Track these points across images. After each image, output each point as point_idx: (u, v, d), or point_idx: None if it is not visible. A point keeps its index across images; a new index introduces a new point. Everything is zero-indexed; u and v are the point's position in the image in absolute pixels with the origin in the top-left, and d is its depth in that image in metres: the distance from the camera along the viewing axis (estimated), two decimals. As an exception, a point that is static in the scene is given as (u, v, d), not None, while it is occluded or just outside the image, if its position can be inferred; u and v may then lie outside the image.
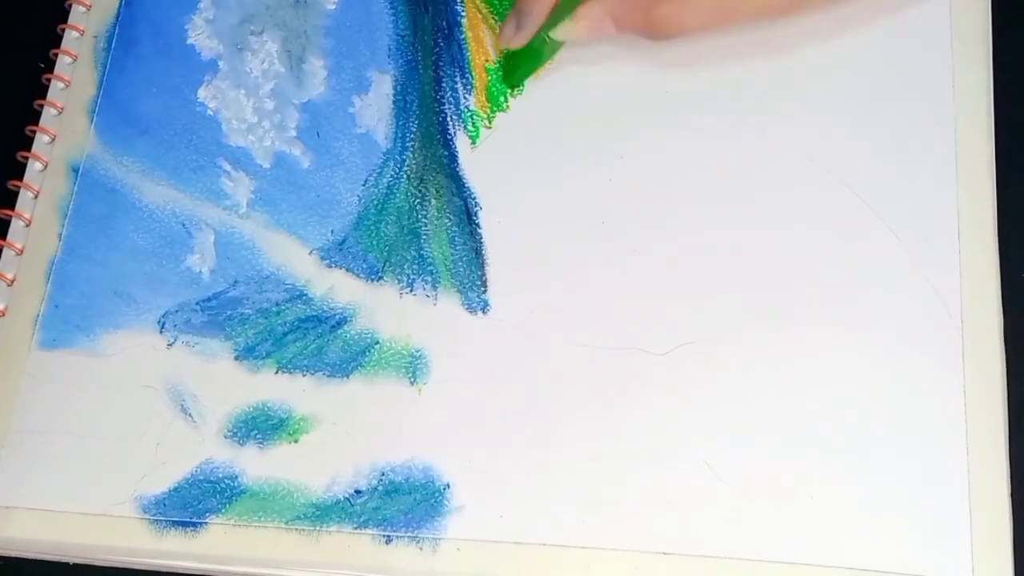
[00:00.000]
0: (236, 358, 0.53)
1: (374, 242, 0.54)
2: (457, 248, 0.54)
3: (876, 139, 0.53)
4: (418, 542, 0.49)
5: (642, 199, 0.53)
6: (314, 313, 0.54)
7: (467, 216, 0.54)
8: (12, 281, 0.56)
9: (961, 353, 0.49)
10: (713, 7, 0.51)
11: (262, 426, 0.52)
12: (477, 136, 0.56)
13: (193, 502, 0.51)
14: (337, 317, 0.53)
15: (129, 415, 0.52)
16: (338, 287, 0.54)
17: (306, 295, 0.54)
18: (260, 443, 0.51)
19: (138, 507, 0.51)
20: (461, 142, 0.56)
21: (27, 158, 0.58)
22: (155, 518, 0.51)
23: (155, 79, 0.59)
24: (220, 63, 0.59)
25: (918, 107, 0.53)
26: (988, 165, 0.52)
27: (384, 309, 0.53)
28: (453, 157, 0.56)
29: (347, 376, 0.52)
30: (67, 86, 0.59)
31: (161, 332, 0.54)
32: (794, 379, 0.49)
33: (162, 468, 0.51)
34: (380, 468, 0.50)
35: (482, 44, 0.58)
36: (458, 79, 0.57)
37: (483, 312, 0.53)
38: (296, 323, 0.53)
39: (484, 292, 0.53)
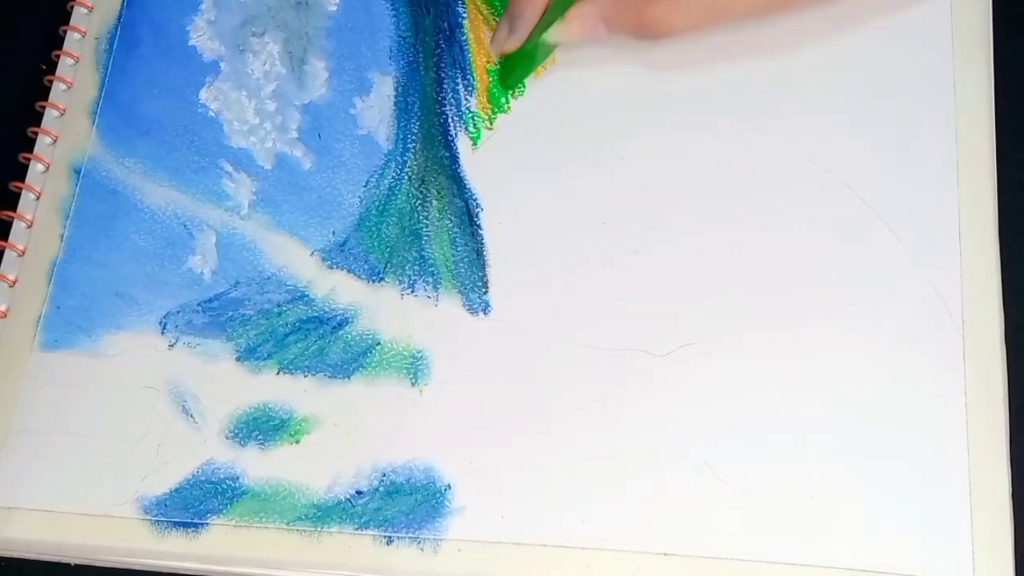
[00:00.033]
0: (237, 359, 0.53)
1: (375, 243, 0.54)
2: (458, 249, 0.54)
3: (876, 139, 0.53)
4: (419, 543, 0.49)
5: (643, 200, 0.53)
6: (315, 314, 0.54)
7: (468, 217, 0.54)
8: (14, 282, 0.56)
9: (961, 353, 0.49)
10: (704, 7, 0.51)
11: (263, 427, 0.52)
12: (478, 137, 0.56)
13: (194, 503, 0.51)
14: (338, 318, 0.53)
15: (130, 416, 0.52)
16: (339, 288, 0.54)
17: (307, 296, 0.54)
18: (261, 444, 0.51)
19: (139, 508, 0.51)
20: (462, 143, 0.56)
21: (29, 159, 0.58)
22: (156, 519, 0.51)
23: (157, 80, 0.59)
24: (222, 64, 0.59)
25: (918, 107, 0.53)
26: (989, 165, 0.52)
27: (385, 310, 0.53)
28: (454, 158, 0.56)
29: (348, 377, 0.52)
30: (69, 88, 0.59)
31: (163, 333, 0.54)
32: (794, 379, 0.49)
33: (163, 469, 0.51)
34: (381, 469, 0.50)
35: (483, 45, 0.58)
36: (459, 80, 0.58)
37: (484, 313, 0.53)
38: (297, 324, 0.53)
39: (485, 293, 0.53)
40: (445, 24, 0.59)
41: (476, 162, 0.56)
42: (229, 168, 0.57)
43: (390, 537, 0.49)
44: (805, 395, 0.49)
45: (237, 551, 0.50)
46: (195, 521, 0.50)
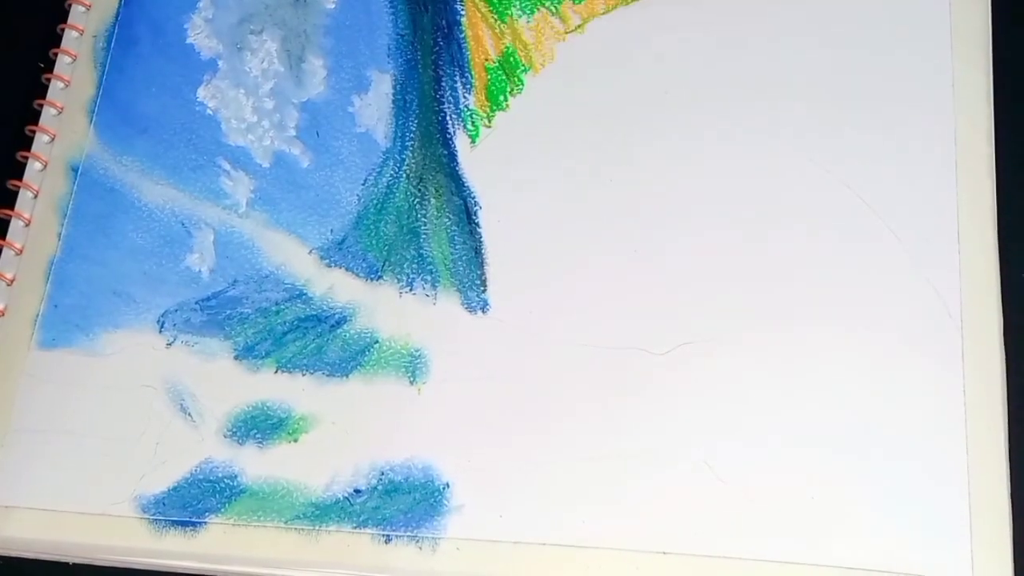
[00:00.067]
0: (235, 357, 0.53)
1: (373, 241, 0.54)
2: (457, 247, 0.54)
3: (876, 139, 0.53)
4: (417, 541, 0.49)
5: (642, 199, 0.53)
6: (313, 312, 0.54)
7: (467, 215, 0.54)
8: (11, 281, 0.56)
9: (961, 353, 0.49)
10: None
11: (261, 425, 0.52)
12: (476, 135, 0.56)
13: (192, 502, 0.51)
14: (336, 316, 0.53)
15: (128, 414, 0.52)
16: (337, 286, 0.54)
17: (305, 294, 0.54)
18: (259, 442, 0.51)
19: (137, 507, 0.51)
20: (460, 141, 0.56)
21: (27, 158, 0.58)
22: (154, 518, 0.51)
23: (154, 79, 0.59)
24: (219, 62, 0.59)
25: (918, 107, 0.53)
26: (988, 165, 0.52)
27: (384, 308, 0.53)
28: (452, 156, 0.56)
29: (346, 375, 0.52)
30: (67, 86, 0.59)
31: (160, 331, 0.54)
32: (794, 379, 0.49)
33: (161, 468, 0.51)
34: (379, 467, 0.50)
35: (481, 43, 0.58)
36: (457, 78, 0.57)
37: (483, 311, 0.53)
38: (296, 322, 0.53)
39: (484, 291, 0.53)
40: (443, 22, 0.59)
41: (474, 160, 0.56)
42: (227, 166, 0.57)
43: (388, 536, 0.49)
44: (805, 395, 0.49)
45: (235, 550, 0.50)
46: (193, 520, 0.50)
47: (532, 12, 0.58)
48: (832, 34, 0.55)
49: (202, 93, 0.58)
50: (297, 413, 0.52)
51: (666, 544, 0.48)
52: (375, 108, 0.57)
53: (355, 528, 0.50)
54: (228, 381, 0.53)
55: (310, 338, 0.53)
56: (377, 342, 0.53)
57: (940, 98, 0.53)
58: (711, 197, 0.53)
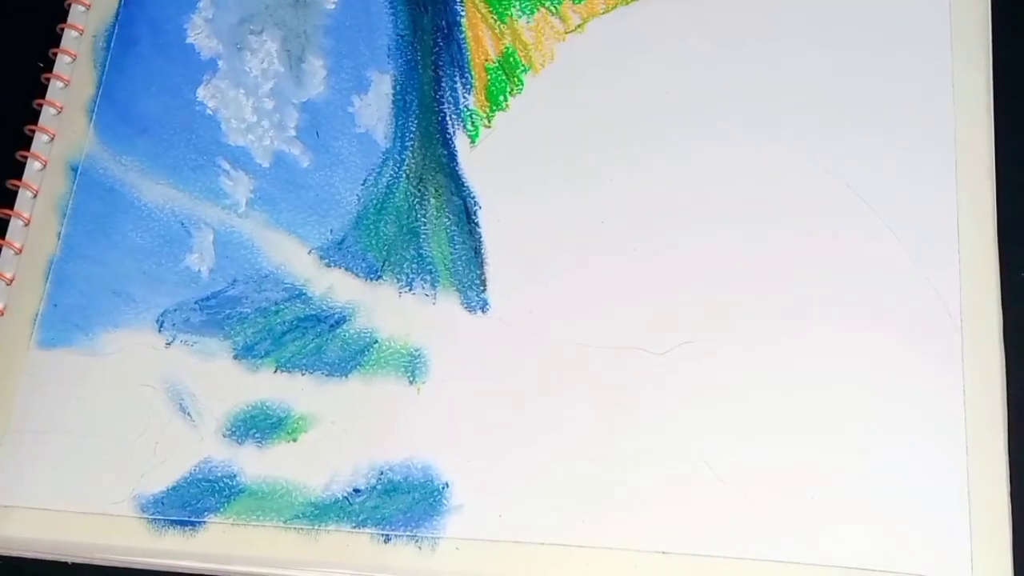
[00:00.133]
0: (235, 357, 0.53)
1: (373, 241, 0.54)
2: (456, 247, 0.54)
3: (876, 139, 0.53)
4: (417, 541, 0.49)
5: (642, 198, 0.53)
6: (313, 312, 0.53)
7: (466, 215, 0.54)
8: (11, 280, 0.56)
9: (961, 353, 0.49)
10: None
11: (261, 425, 0.52)
12: (476, 135, 0.56)
13: (192, 501, 0.51)
14: (336, 316, 0.53)
15: (128, 414, 0.52)
16: (337, 286, 0.54)
17: (305, 294, 0.54)
18: (259, 442, 0.51)
19: (137, 506, 0.51)
20: (460, 141, 0.56)
21: (26, 157, 0.58)
22: (154, 517, 0.51)
23: (154, 78, 0.59)
24: (219, 62, 0.59)
25: (918, 107, 0.53)
26: (988, 165, 0.52)
27: (383, 308, 0.53)
28: (452, 156, 0.56)
29: (346, 375, 0.52)
30: (66, 85, 0.59)
31: (160, 331, 0.54)
32: (794, 379, 0.49)
33: (160, 467, 0.51)
34: (379, 467, 0.50)
35: (481, 44, 0.58)
36: (457, 78, 0.57)
37: (482, 311, 0.53)
38: (295, 322, 0.53)
39: (483, 291, 0.53)
40: (443, 22, 0.59)
41: (474, 160, 0.56)
42: (227, 166, 0.57)
43: (388, 535, 0.49)
44: (804, 394, 0.49)
45: (234, 549, 0.50)
46: (192, 519, 0.50)
47: (532, 12, 0.58)
48: (832, 34, 0.55)
49: (202, 93, 0.59)
50: (296, 413, 0.52)
51: (666, 544, 0.48)
52: (375, 108, 0.57)
53: (354, 528, 0.50)
54: (227, 381, 0.53)
55: (309, 338, 0.53)
56: (376, 342, 0.53)
57: (940, 98, 0.53)
58: (711, 197, 0.53)
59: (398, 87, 0.58)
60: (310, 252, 0.55)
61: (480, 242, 0.54)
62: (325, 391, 0.52)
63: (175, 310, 0.54)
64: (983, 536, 0.46)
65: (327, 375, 0.52)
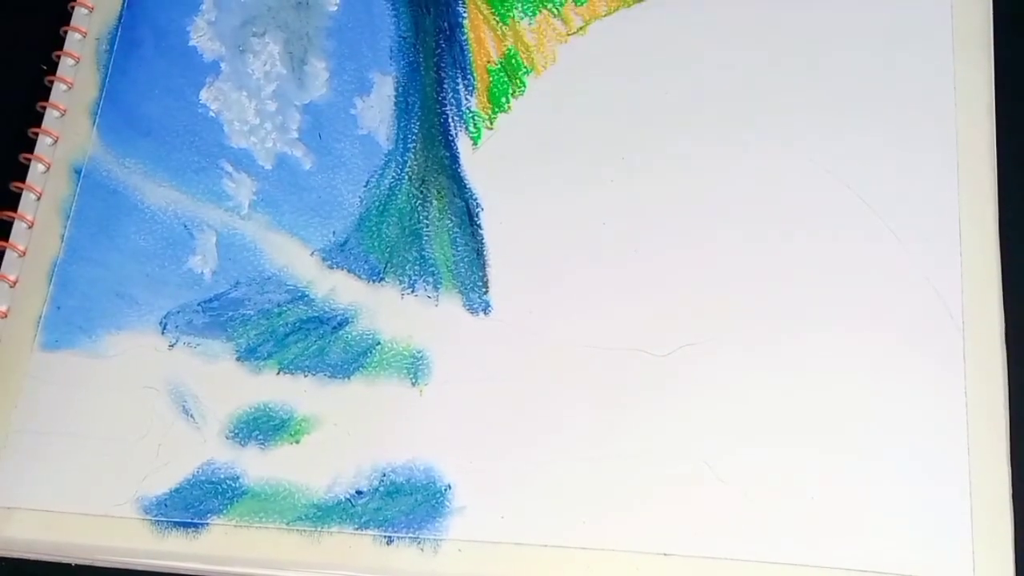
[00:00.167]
0: (238, 359, 0.53)
1: (376, 243, 0.54)
2: (458, 249, 0.54)
3: (876, 139, 0.53)
4: (419, 543, 0.49)
5: (643, 200, 0.53)
6: (316, 314, 0.54)
7: (468, 217, 0.54)
8: (14, 282, 0.56)
9: (962, 353, 0.49)
10: None
11: (263, 427, 0.52)
12: (479, 137, 0.56)
13: (194, 503, 0.51)
14: (339, 318, 0.53)
15: (131, 416, 0.52)
16: (340, 288, 0.54)
17: (308, 296, 0.54)
18: (261, 444, 0.51)
19: (139, 508, 0.51)
20: (463, 143, 0.56)
21: (29, 160, 0.58)
22: (156, 519, 0.51)
23: (157, 81, 0.59)
24: (222, 65, 0.59)
25: (919, 107, 0.53)
26: (989, 165, 0.52)
27: (385, 310, 0.53)
28: (455, 158, 0.56)
29: (348, 377, 0.52)
30: (69, 88, 0.59)
31: (163, 333, 0.54)
32: (794, 379, 0.49)
33: (163, 469, 0.51)
34: (381, 469, 0.50)
35: (484, 45, 0.58)
36: (460, 80, 0.58)
37: (484, 313, 0.53)
38: (298, 324, 0.53)
39: (485, 293, 0.53)
40: (445, 24, 0.59)
41: (476, 162, 0.56)
42: (229, 168, 0.57)
43: (390, 537, 0.49)
44: (805, 395, 0.49)
45: (237, 551, 0.50)
46: (195, 521, 0.50)
47: (534, 14, 0.58)
48: (833, 35, 0.55)
49: (205, 95, 0.59)
50: (299, 414, 0.52)
51: (667, 545, 0.48)
52: (377, 110, 0.57)
53: (357, 529, 0.50)
54: (230, 382, 0.53)
55: (312, 340, 0.53)
56: (379, 344, 0.53)
57: (941, 99, 0.53)
58: (712, 198, 0.53)
59: (400, 89, 0.58)
60: (312, 254, 0.55)
61: (482, 244, 0.54)
62: (328, 393, 0.52)
63: (178, 312, 0.54)
64: (985, 537, 0.46)
65: (330, 377, 0.52)
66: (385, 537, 0.49)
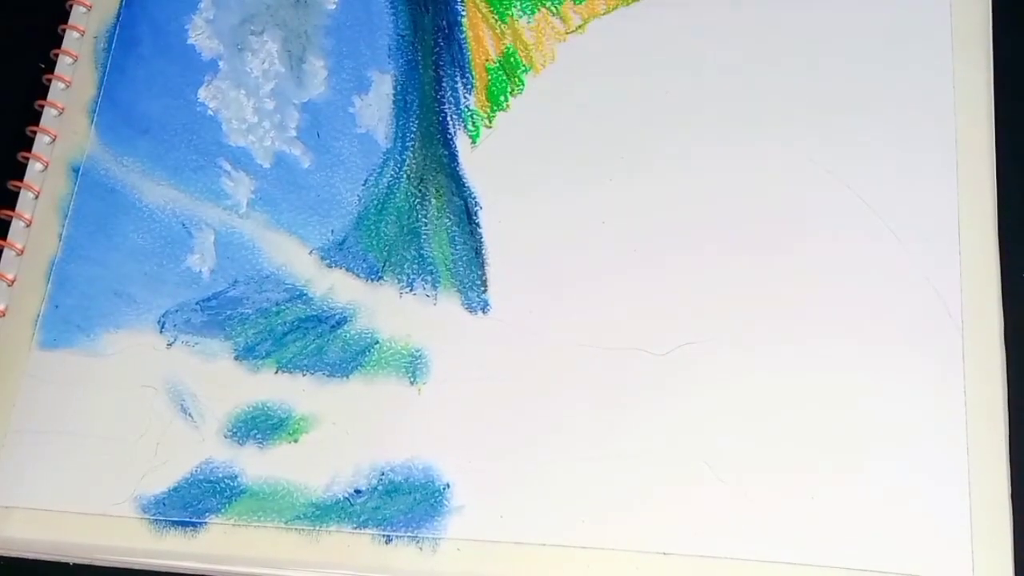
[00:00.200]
0: (236, 358, 0.53)
1: (374, 242, 0.54)
2: (457, 248, 0.54)
3: (876, 139, 0.53)
4: (418, 542, 0.49)
5: (642, 199, 0.53)
6: (314, 313, 0.54)
7: (467, 216, 0.54)
8: (12, 281, 0.56)
9: (961, 353, 0.49)
10: None
11: (262, 426, 0.52)
12: (477, 136, 0.56)
13: (193, 502, 0.51)
14: (337, 317, 0.53)
15: (129, 415, 0.52)
16: (338, 287, 0.54)
17: (306, 295, 0.54)
18: (260, 443, 0.51)
19: (138, 507, 0.51)
20: (461, 142, 0.56)
21: (28, 158, 0.58)
22: (155, 518, 0.51)
23: (155, 79, 0.59)
24: (220, 63, 0.59)
25: (918, 107, 0.53)
26: (988, 165, 0.52)
27: (384, 309, 0.53)
28: (453, 157, 0.56)
29: (347, 376, 0.52)
30: (68, 86, 0.59)
31: (161, 332, 0.54)
32: (794, 379, 0.49)
33: (162, 468, 0.51)
34: (380, 468, 0.50)
35: (482, 43, 0.58)
36: (458, 79, 0.57)
37: (483, 312, 0.53)
38: (296, 323, 0.53)
39: (484, 292, 0.53)
40: (444, 22, 0.59)
41: (475, 160, 0.56)
42: (228, 167, 0.57)
43: (389, 536, 0.49)
44: (805, 394, 0.49)
45: (235, 550, 0.50)
46: (193, 520, 0.50)
47: (533, 12, 0.58)
48: (833, 35, 0.55)
49: (203, 94, 0.59)
50: (297, 413, 0.52)
51: (666, 544, 0.48)
52: (376, 109, 0.57)
53: (355, 528, 0.50)
54: (229, 381, 0.53)
55: (310, 338, 0.53)
56: (377, 342, 0.53)
57: (941, 98, 0.53)
58: (711, 197, 0.53)
59: (399, 87, 0.58)
60: (311, 253, 0.55)
61: (481, 243, 0.54)
62: (326, 392, 0.52)
63: (176, 311, 0.54)
64: (984, 537, 0.46)
65: (328, 376, 0.52)
66: (384, 536, 0.49)
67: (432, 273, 0.53)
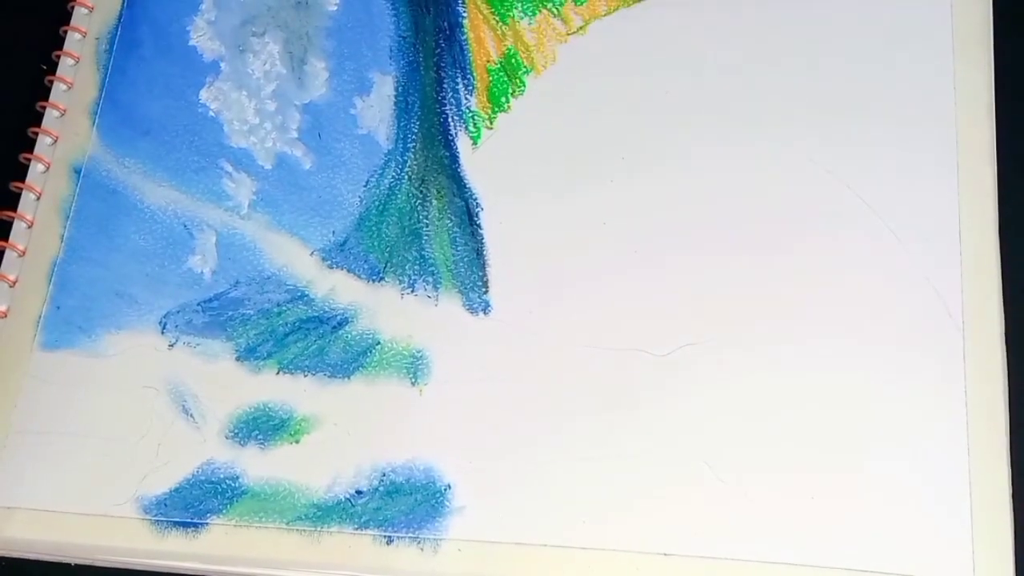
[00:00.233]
0: (237, 359, 0.53)
1: (375, 243, 0.54)
2: (458, 249, 0.54)
3: (876, 139, 0.53)
4: (419, 543, 0.49)
5: (643, 200, 0.53)
6: (315, 314, 0.54)
7: (468, 217, 0.54)
8: (14, 282, 0.56)
9: (962, 353, 0.49)
10: None
11: (263, 427, 0.52)
12: (478, 137, 0.56)
13: (194, 502, 0.51)
14: (338, 318, 0.53)
15: (130, 416, 0.52)
16: (339, 288, 0.54)
17: (307, 296, 0.54)
18: (261, 443, 0.51)
19: (139, 507, 0.51)
20: (462, 143, 0.56)
21: (29, 160, 0.58)
22: (156, 518, 0.51)
23: (157, 81, 0.59)
24: (222, 64, 0.59)
25: (919, 107, 0.53)
26: (989, 165, 0.52)
27: (385, 310, 0.53)
28: (454, 158, 0.56)
29: (348, 377, 0.52)
30: (69, 88, 0.59)
31: (163, 333, 0.54)
32: (795, 379, 0.49)
33: (163, 468, 0.51)
34: (381, 469, 0.50)
35: (483, 45, 0.58)
36: (459, 80, 0.58)
37: (484, 313, 0.53)
38: (297, 324, 0.53)
39: (485, 293, 0.53)
40: (445, 23, 0.59)
41: (476, 162, 0.56)
42: (229, 168, 0.57)
43: (390, 537, 0.49)
44: (805, 395, 0.49)
45: (237, 551, 0.50)
46: (195, 521, 0.50)
47: (534, 14, 0.58)
48: (833, 35, 0.55)
49: (204, 95, 0.59)
50: (299, 414, 0.52)
51: (667, 545, 0.48)
52: (377, 110, 0.57)
53: (357, 529, 0.50)
54: (230, 382, 0.53)
55: (312, 339, 0.53)
56: (379, 343, 0.53)
57: (941, 98, 0.53)
58: (712, 197, 0.53)
59: (400, 88, 0.58)
60: (312, 254, 0.55)
61: (482, 244, 0.54)
62: (327, 393, 0.52)
63: (178, 312, 0.54)
64: (985, 537, 0.46)
65: (329, 377, 0.52)
66: (385, 537, 0.49)
67: (433, 274, 0.54)
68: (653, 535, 0.48)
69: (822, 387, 0.49)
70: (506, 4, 0.59)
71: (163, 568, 0.50)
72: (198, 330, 0.54)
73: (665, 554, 0.48)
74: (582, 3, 0.58)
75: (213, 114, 0.58)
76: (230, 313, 0.54)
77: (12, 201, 0.57)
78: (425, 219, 0.55)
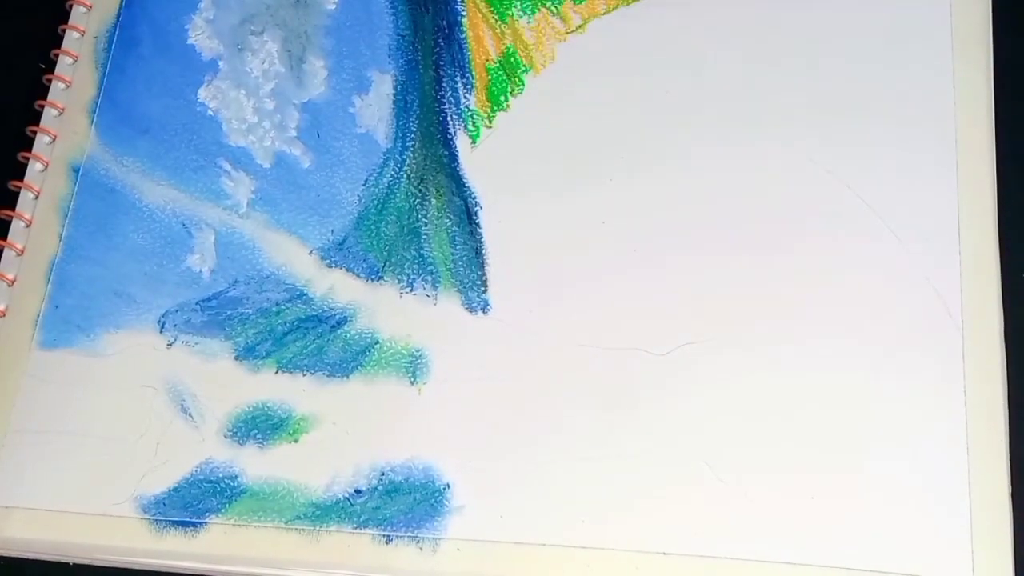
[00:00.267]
0: (236, 358, 0.53)
1: (374, 242, 0.54)
2: (457, 248, 0.54)
3: (876, 140, 0.53)
4: (418, 542, 0.49)
5: (643, 199, 0.53)
6: (314, 313, 0.54)
7: (467, 216, 0.54)
8: (12, 281, 0.56)
9: (961, 353, 0.49)
10: None
11: (262, 426, 0.52)
12: (477, 136, 0.56)
13: (193, 502, 0.51)
14: (337, 317, 0.53)
15: (129, 415, 0.52)
16: (338, 287, 0.54)
17: (306, 295, 0.54)
18: (260, 443, 0.51)
19: (138, 507, 0.51)
20: (461, 142, 0.56)
21: (28, 158, 0.58)
22: (155, 518, 0.51)
23: (155, 79, 0.59)
24: (220, 63, 0.59)
25: (918, 107, 0.53)
26: (988, 165, 0.52)
27: (384, 309, 0.53)
28: (453, 157, 0.56)
29: (347, 376, 0.52)
30: (68, 87, 0.59)
31: (161, 332, 0.54)
32: (794, 379, 0.49)
33: (162, 468, 0.51)
34: (380, 468, 0.50)
35: (482, 43, 0.58)
36: (458, 78, 0.57)
37: (483, 312, 0.53)
38: (296, 323, 0.53)
39: (484, 292, 0.53)
40: (444, 22, 0.59)
41: (475, 160, 0.56)
42: (228, 167, 0.57)
43: (389, 536, 0.49)
44: (805, 394, 0.49)
45: (236, 550, 0.50)
46: (194, 520, 0.50)
47: (533, 12, 0.58)
48: (833, 35, 0.55)
49: (203, 94, 0.59)
50: (298, 413, 0.52)
51: (666, 544, 0.48)
52: (376, 109, 0.57)
53: (356, 528, 0.50)
54: (229, 381, 0.53)
55: (311, 338, 0.53)
56: (378, 342, 0.53)
57: (941, 98, 0.53)
58: (711, 197, 0.53)
59: (399, 87, 0.58)
60: (311, 253, 0.55)
61: (481, 243, 0.54)
62: (326, 392, 0.52)
63: (176, 311, 0.54)
64: (984, 537, 0.46)
65: (328, 376, 0.52)
66: (384, 536, 0.49)
67: (432, 273, 0.53)
68: (653, 535, 0.48)
69: (822, 387, 0.49)
70: (505, 3, 0.59)
71: (162, 567, 0.50)
72: (197, 329, 0.54)
73: (665, 553, 0.48)
74: (581, 2, 0.58)
75: (212, 113, 0.58)
76: (229, 312, 0.54)
77: (11, 200, 0.57)
78: (424, 218, 0.55)
